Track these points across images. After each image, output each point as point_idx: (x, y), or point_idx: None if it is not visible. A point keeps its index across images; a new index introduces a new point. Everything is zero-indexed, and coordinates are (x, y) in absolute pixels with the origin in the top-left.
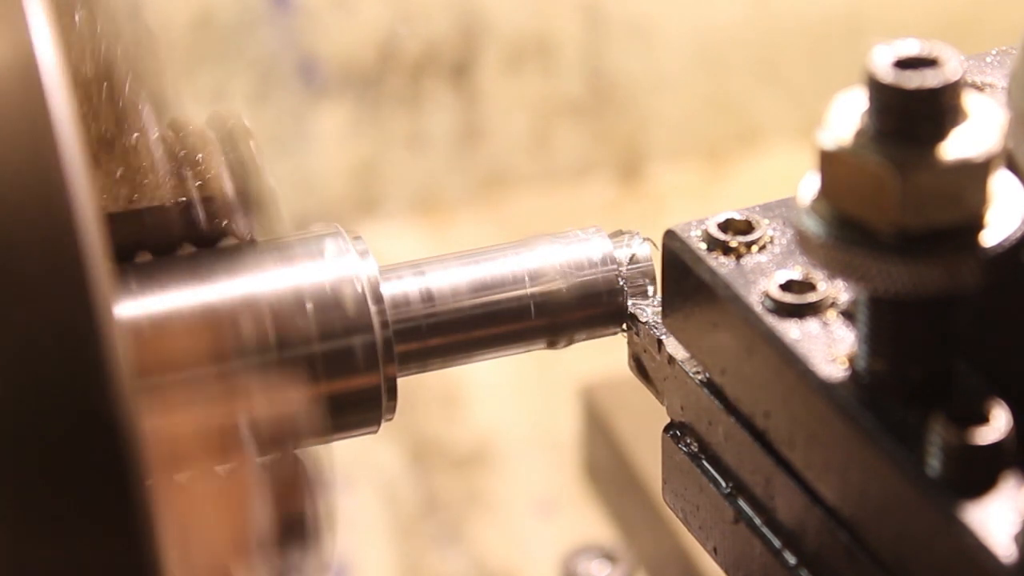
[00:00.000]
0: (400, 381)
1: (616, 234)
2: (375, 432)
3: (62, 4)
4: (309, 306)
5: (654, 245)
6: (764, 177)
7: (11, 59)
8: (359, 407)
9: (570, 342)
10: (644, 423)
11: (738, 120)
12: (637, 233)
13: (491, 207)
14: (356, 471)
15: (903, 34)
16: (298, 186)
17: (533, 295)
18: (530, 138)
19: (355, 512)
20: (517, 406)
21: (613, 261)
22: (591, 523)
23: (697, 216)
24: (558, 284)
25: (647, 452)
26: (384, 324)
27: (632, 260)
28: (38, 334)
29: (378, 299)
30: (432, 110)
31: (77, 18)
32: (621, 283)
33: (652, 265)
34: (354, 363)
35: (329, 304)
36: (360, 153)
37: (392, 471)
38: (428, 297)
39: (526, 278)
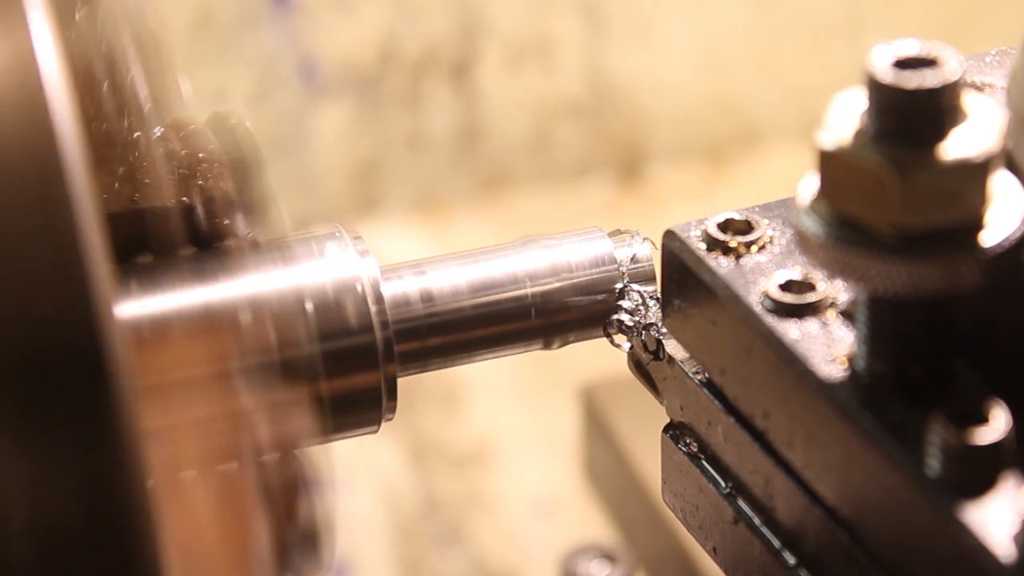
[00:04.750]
0: (400, 381)
1: (615, 233)
2: (375, 432)
3: (62, 4)
4: (309, 306)
5: (653, 245)
6: (764, 177)
7: (12, 59)
8: (359, 407)
9: (565, 343)
10: (644, 423)
11: (738, 120)
12: (636, 233)
13: (491, 207)
14: (356, 471)
15: (903, 34)
16: (298, 186)
17: (533, 295)
18: (530, 138)
19: (355, 512)
20: (517, 406)
21: (613, 261)
22: (591, 523)
23: (697, 216)
24: (558, 284)
25: (647, 452)
26: (384, 324)
27: (632, 260)
28: (37, 328)
29: (378, 299)
30: (432, 110)
31: (78, 18)
32: (621, 283)
33: (652, 265)
34: (354, 363)
35: (329, 304)
36: (360, 153)
37: (392, 471)
38: (428, 297)
39: (526, 278)
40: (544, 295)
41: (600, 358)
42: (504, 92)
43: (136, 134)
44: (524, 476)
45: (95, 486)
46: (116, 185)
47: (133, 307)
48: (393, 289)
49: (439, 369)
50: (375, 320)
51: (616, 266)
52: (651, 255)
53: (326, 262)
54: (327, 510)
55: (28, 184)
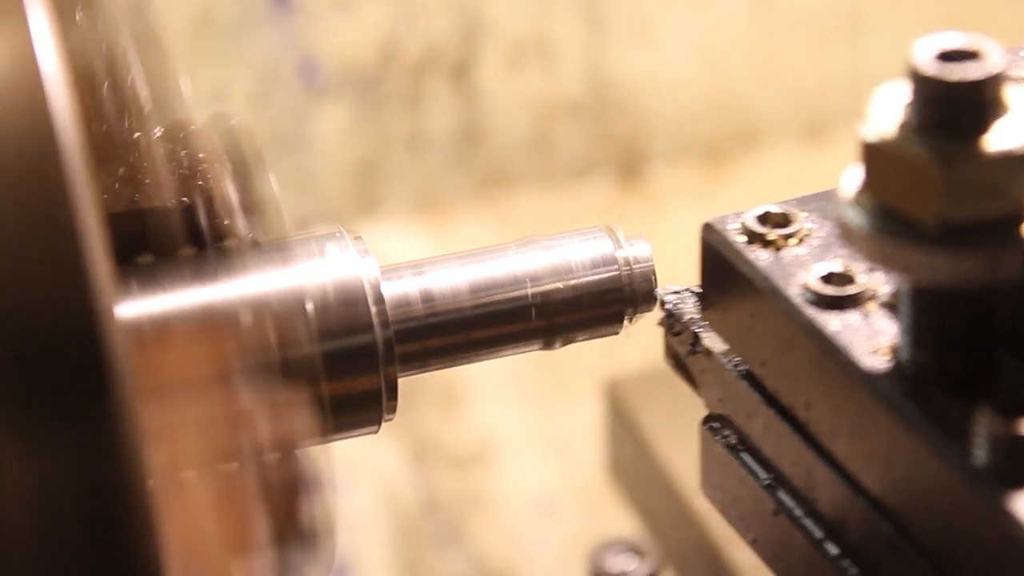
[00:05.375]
0: (400, 381)
1: (608, 229)
2: (375, 432)
3: (63, 4)
4: (310, 306)
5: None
6: (764, 177)
7: (12, 59)
8: (359, 407)
9: (567, 342)
10: (669, 418)
11: (738, 120)
12: (622, 232)
13: (491, 207)
14: (356, 471)
15: (903, 34)
16: (298, 186)
17: (533, 295)
18: (530, 138)
19: (355, 512)
20: (517, 406)
21: (614, 261)
22: (616, 518)
23: (697, 216)
24: (558, 284)
25: (672, 447)
26: (384, 324)
27: (632, 261)
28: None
29: (379, 299)
30: (432, 110)
31: (78, 18)
32: (621, 284)
33: (652, 266)
34: (354, 363)
35: (330, 304)
36: (360, 153)
37: (392, 471)
38: (428, 297)
39: (526, 278)
40: (545, 295)
41: (600, 358)
42: (504, 92)
43: (136, 134)
44: (524, 476)
45: (95, 485)
46: (116, 185)
47: (133, 307)
48: (393, 289)
49: (439, 369)
50: (375, 320)
51: (616, 266)
52: (651, 255)
53: (326, 262)
54: (327, 510)
55: (28, 184)
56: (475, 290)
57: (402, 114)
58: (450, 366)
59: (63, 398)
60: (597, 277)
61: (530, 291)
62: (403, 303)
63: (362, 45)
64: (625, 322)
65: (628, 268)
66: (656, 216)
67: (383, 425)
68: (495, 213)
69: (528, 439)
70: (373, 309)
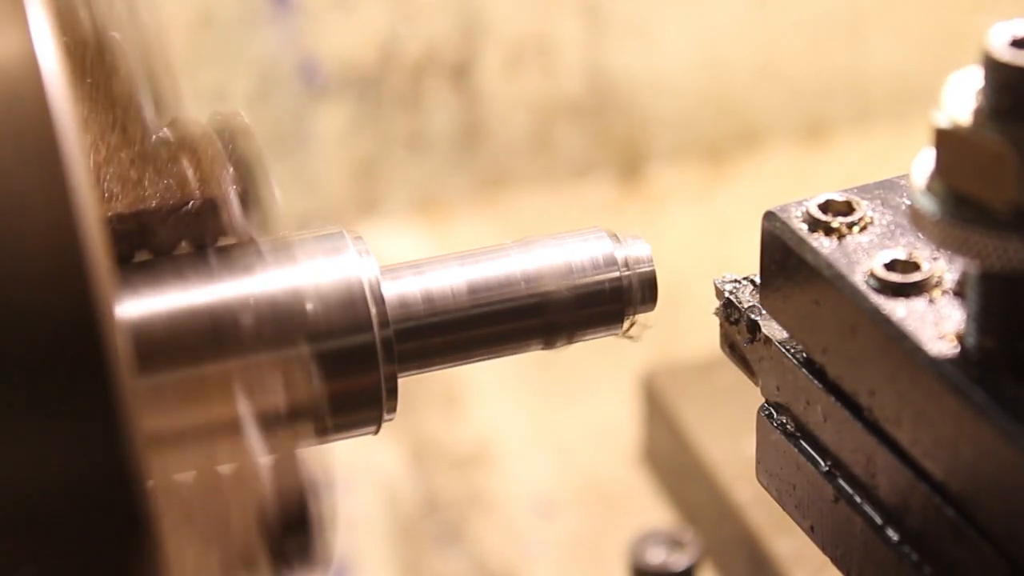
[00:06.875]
0: (400, 381)
1: (608, 229)
2: (375, 432)
3: (63, 4)
4: (309, 306)
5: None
6: (764, 177)
7: (13, 59)
8: (359, 407)
9: (569, 342)
10: (705, 410)
11: (738, 120)
12: (621, 232)
13: (491, 207)
14: (356, 471)
15: (903, 34)
16: (298, 186)
17: (533, 295)
18: (530, 138)
19: (355, 512)
20: (517, 406)
21: (613, 262)
22: (652, 510)
23: (698, 216)
24: (558, 284)
25: (708, 438)
26: (384, 324)
27: (632, 261)
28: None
29: (378, 299)
30: (432, 110)
31: (78, 18)
32: (621, 284)
33: (653, 267)
34: (354, 363)
35: (329, 304)
36: (360, 153)
37: (392, 471)
38: (428, 297)
39: (526, 278)
40: (544, 295)
41: (597, 358)
42: (504, 92)
43: (136, 134)
44: (524, 476)
45: (95, 482)
46: (117, 185)
47: (133, 306)
48: (393, 289)
49: (439, 369)
50: (375, 320)
51: (616, 266)
52: (651, 255)
53: (326, 262)
54: (327, 510)
55: (30, 183)
56: (475, 290)
57: (402, 114)
58: (450, 366)
59: (63, 396)
60: (597, 277)
61: (530, 291)
62: (403, 303)
63: (362, 45)
64: (625, 322)
65: (628, 268)
66: (656, 216)
67: (383, 425)
68: (495, 213)
69: (527, 439)
70: (373, 309)
